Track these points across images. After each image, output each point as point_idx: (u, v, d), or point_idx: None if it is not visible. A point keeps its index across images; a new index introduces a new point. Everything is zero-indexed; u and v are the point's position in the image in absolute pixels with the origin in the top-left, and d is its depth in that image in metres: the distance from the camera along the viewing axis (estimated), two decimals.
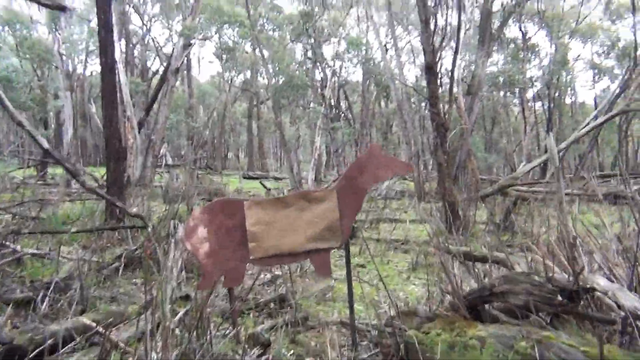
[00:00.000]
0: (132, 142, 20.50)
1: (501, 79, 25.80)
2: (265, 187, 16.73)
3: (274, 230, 3.48)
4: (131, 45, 39.22)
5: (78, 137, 44.72)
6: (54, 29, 26.12)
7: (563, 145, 12.93)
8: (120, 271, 5.11)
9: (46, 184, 20.92)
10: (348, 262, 3.65)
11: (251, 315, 4.01)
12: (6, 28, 28.52)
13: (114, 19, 21.79)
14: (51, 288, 4.27)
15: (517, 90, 30.05)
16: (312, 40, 27.15)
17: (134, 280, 5.10)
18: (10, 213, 8.17)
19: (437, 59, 8.89)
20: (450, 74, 11.90)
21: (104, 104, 7.59)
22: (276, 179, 28.76)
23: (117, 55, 21.54)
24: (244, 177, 29.72)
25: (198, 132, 37.50)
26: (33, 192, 16.00)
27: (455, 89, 16.74)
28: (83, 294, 4.12)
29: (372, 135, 35.07)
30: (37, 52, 28.06)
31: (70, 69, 40.07)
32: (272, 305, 4.22)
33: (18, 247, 5.54)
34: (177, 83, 44.23)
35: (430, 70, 8.60)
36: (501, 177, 23.40)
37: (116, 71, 7.80)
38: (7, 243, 5.44)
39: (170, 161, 25.69)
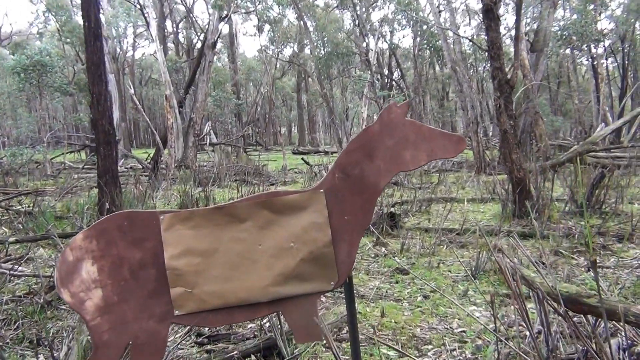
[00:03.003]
0: (171, 122, 19.70)
1: (567, 34, 22.97)
2: (307, 163, 15.32)
3: (216, 266, 1.97)
4: (175, 25, 38.62)
5: (128, 120, 44.92)
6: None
7: None
8: None
9: (93, 168, 20.50)
10: (352, 322, 2.13)
11: None
12: (47, 14, 28.26)
13: None
14: None
15: (585, 46, 27.06)
16: (359, 5, 25.24)
17: None
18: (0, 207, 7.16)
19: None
20: (515, 24, 9.98)
21: (89, 79, 6.31)
22: (327, 153, 27.17)
23: (154, 33, 20.77)
24: (294, 153, 28.41)
25: (244, 108, 36.54)
26: (64, 179, 15.35)
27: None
28: None
29: (426, 103, 32.83)
30: (79, 36, 27.64)
31: (118, 50, 39.95)
32: (252, 358, 2.79)
33: None
34: (225, 59, 43.45)
35: (489, 12, 6.84)
36: (569, 141, 20.90)
37: (102, 38, 6.49)
38: None
39: (214, 139, 24.82)
